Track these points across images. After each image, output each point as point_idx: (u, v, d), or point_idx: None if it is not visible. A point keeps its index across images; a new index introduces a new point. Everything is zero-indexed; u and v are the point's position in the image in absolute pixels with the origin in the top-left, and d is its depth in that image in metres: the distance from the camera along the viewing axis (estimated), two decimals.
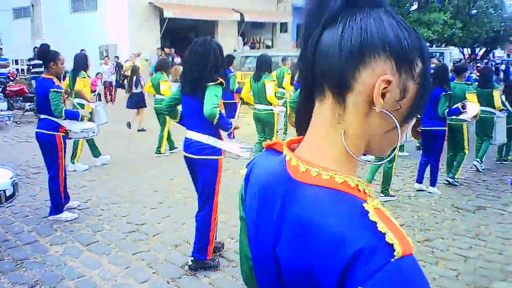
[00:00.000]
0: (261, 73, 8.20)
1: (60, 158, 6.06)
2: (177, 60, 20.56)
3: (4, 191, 3.86)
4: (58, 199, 6.10)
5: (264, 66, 8.23)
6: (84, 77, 8.40)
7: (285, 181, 0.95)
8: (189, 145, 4.57)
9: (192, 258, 4.74)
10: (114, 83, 19.24)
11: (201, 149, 4.49)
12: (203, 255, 4.67)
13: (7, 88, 14.92)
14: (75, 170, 8.47)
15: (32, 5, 23.16)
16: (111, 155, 9.40)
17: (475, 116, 7.34)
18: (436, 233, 5.90)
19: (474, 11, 36.78)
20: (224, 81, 4.45)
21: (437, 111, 7.05)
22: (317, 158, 0.94)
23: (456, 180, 7.92)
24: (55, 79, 6.05)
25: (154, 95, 10.20)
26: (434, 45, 34.78)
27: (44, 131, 6.00)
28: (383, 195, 7.03)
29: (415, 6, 30.56)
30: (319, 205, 0.87)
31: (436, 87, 7.07)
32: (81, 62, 8.43)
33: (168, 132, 10.13)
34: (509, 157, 9.80)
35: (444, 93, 7.06)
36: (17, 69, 23.13)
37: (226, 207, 6.60)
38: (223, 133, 4.67)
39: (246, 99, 8.79)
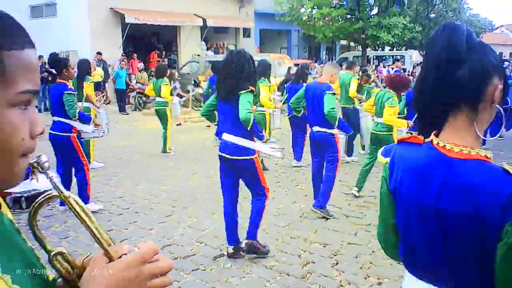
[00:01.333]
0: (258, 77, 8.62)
1: (81, 156, 6.52)
2: (140, 65, 20.39)
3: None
4: (85, 191, 6.52)
5: (261, 71, 8.63)
6: (92, 82, 8.90)
7: (442, 160, 1.50)
8: (225, 146, 4.95)
9: (246, 241, 5.11)
10: None
11: (237, 150, 4.86)
12: (254, 236, 5.14)
13: None
14: (93, 168, 8.71)
15: None
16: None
17: None
18: None
19: (433, 15, 37.40)
20: (254, 89, 4.89)
21: None
22: (460, 143, 1.48)
23: None
24: (68, 83, 6.48)
25: (155, 98, 10.69)
26: (394, 49, 35.40)
27: (57, 133, 6.42)
28: None
29: (375, 11, 30.90)
30: (477, 171, 1.42)
31: None
32: (85, 68, 8.78)
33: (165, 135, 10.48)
34: None
35: None
36: None
37: (193, 211, 6.59)
38: None
39: None
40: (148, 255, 0.94)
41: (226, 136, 4.92)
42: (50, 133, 6.44)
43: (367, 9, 30.28)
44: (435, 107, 1.51)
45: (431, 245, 1.56)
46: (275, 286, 4.54)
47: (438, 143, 1.52)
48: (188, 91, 17.39)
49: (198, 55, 23.23)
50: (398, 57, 28.48)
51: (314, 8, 29.21)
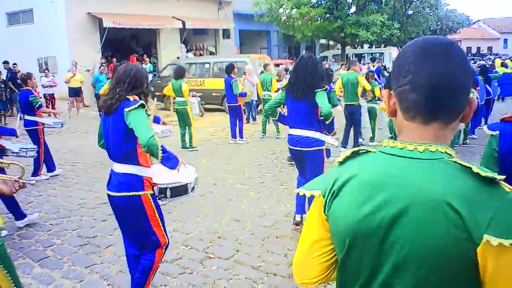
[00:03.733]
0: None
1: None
2: None
3: (191, 182, 4.31)
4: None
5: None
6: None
7: None
8: (297, 140, 5.59)
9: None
10: (55, 95, 18.81)
11: (311, 142, 5.51)
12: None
13: None
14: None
15: None
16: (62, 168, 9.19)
17: None
18: None
19: (411, 12, 37.78)
20: (327, 88, 5.55)
21: None
22: None
23: None
24: None
25: (174, 98, 11.39)
26: (374, 46, 35.64)
27: None
28: None
29: (353, 9, 31.08)
30: None
31: None
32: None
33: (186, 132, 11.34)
34: (467, 141, 11.07)
35: None
36: None
37: (178, 215, 6.57)
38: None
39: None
40: None
41: (298, 131, 5.55)
42: None
43: (345, 8, 30.46)
44: None
45: None
46: (263, 287, 4.55)
47: None
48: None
49: (178, 57, 23.16)
50: (377, 54, 28.66)
51: (293, 8, 29.28)
